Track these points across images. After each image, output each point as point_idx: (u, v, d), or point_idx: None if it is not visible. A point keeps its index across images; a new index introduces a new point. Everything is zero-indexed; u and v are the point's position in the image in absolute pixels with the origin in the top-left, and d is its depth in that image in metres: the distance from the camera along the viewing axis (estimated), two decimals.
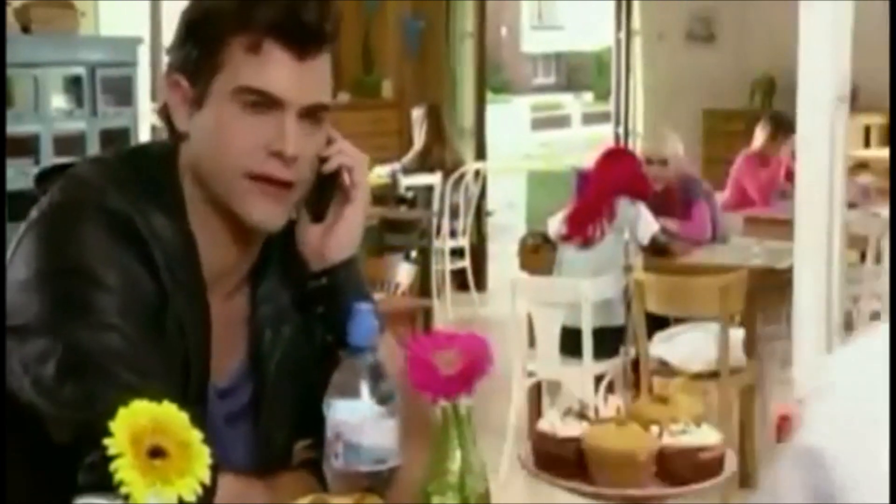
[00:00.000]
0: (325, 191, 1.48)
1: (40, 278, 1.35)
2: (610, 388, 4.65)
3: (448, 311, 7.24)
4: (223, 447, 1.22)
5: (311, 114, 1.41)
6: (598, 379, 4.64)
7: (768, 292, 4.59)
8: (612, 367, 4.68)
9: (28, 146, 5.59)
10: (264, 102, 1.39)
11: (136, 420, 1.08)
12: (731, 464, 1.32)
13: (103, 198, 1.39)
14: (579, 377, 4.57)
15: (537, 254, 5.12)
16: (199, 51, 1.41)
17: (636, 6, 9.15)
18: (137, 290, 1.37)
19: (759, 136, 6.63)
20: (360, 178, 1.48)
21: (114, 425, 1.08)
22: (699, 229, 5.22)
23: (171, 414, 1.09)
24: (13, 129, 5.58)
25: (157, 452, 1.08)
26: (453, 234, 7.55)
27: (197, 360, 1.43)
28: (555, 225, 4.95)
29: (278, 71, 1.38)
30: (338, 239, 1.48)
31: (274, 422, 1.51)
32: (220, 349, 1.47)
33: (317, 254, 1.48)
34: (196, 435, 1.10)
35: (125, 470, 1.06)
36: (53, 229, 1.38)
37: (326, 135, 1.46)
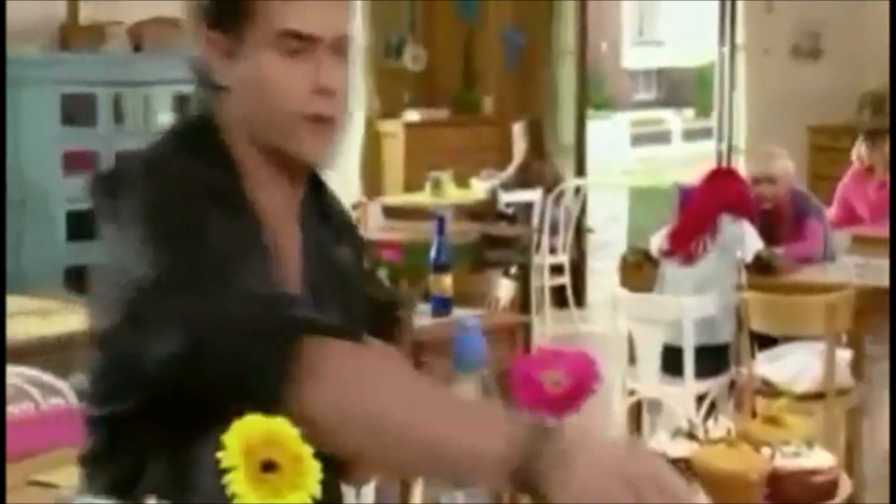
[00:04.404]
0: None
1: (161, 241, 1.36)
2: (711, 408, 4.58)
3: (547, 327, 7.22)
4: None
5: (340, 46, 1.47)
6: (700, 398, 4.58)
7: (877, 312, 4.49)
8: (714, 386, 4.61)
9: None
10: (301, 44, 1.44)
11: (250, 433, 1.10)
12: (845, 487, 1.29)
13: (189, 172, 1.43)
14: (680, 396, 4.52)
15: (641, 271, 5.08)
16: (230, 2, 1.46)
17: (741, 21, 9.04)
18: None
19: (860, 151, 6.55)
20: None
21: (227, 438, 1.09)
22: (813, 248, 5.10)
23: (284, 427, 1.11)
24: (124, 145, 5.72)
25: (269, 466, 1.09)
26: (553, 250, 7.53)
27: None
28: (658, 241, 4.91)
29: (308, 11, 1.44)
30: None
31: None
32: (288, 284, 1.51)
33: None
34: (307, 449, 1.11)
35: (238, 483, 1.08)
36: (164, 206, 1.39)
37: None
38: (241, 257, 1.35)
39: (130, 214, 1.39)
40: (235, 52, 1.46)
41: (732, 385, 4.58)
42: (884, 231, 5.65)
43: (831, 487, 1.28)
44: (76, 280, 5.44)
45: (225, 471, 1.08)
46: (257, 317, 1.30)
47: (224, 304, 1.30)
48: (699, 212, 4.85)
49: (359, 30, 1.59)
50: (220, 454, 1.08)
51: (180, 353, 1.30)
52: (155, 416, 1.37)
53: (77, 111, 5.55)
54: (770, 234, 4.89)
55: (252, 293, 1.32)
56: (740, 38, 9.01)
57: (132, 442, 1.44)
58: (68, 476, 2.41)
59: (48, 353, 3.34)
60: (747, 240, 4.75)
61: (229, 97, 1.48)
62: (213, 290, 1.31)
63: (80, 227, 5.54)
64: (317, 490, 1.09)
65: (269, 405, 1.18)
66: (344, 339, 1.33)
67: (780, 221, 5.10)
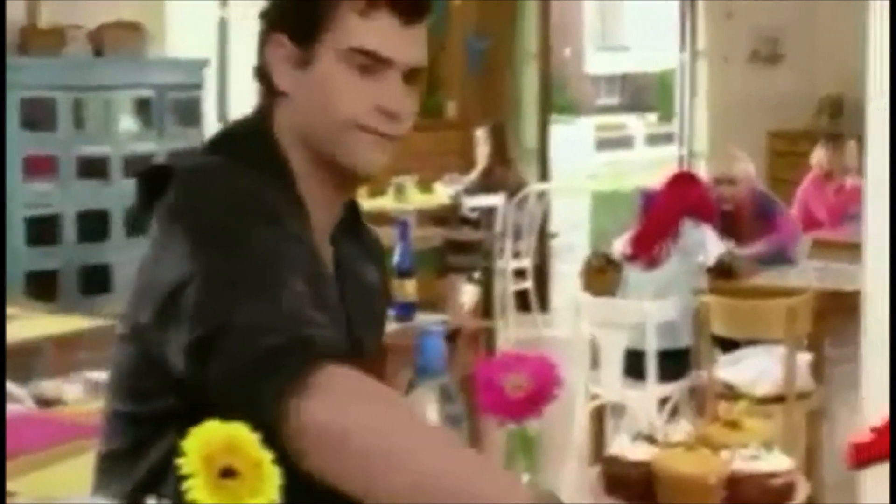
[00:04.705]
0: None
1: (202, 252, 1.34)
2: (674, 412, 4.61)
3: (511, 331, 7.23)
4: None
5: (412, 75, 1.49)
6: (663, 402, 4.60)
7: (837, 315, 4.54)
8: (676, 389, 4.64)
9: (99, 167, 5.69)
10: (373, 64, 1.45)
11: (209, 439, 1.09)
12: (803, 490, 1.30)
13: (235, 182, 1.42)
14: (643, 400, 4.54)
15: (604, 275, 5.10)
16: (305, 11, 1.46)
17: (701, 27, 9.11)
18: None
19: (820, 156, 6.61)
20: None
21: (186, 444, 1.09)
22: (789, 237, 5.16)
23: (243, 433, 1.10)
24: (84, 150, 5.68)
25: (228, 472, 1.09)
26: (516, 254, 7.54)
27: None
28: (620, 245, 4.94)
29: (388, 34, 1.46)
30: None
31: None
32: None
33: None
34: (267, 455, 1.10)
35: (197, 489, 1.07)
36: (206, 216, 1.37)
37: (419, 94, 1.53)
38: (281, 267, 1.33)
39: (175, 216, 1.39)
40: (302, 58, 1.46)
41: (695, 388, 4.60)
42: (843, 235, 5.71)
43: (789, 490, 1.29)
44: (35, 285, 5.40)
45: (185, 477, 1.07)
46: (274, 328, 1.26)
47: (249, 309, 1.28)
48: (661, 216, 4.87)
49: None
50: (179, 461, 1.08)
51: (195, 345, 1.29)
52: (181, 419, 1.30)
53: (36, 116, 5.51)
54: (731, 234, 4.93)
55: (281, 305, 1.29)
56: (701, 43, 9.08)
57: (157, 444, 1.42)
58: (29, 484, 2.39)
59: (7, 360, 3.30)
60: (709, 244, 4.78)
61: (288, 102, 1.49)
62: (245, 294, 1.29)
63: (39, 232, 5.51)
64: (276, 496, 1.09)
65: (261, 418, 1.18)
66: (355, 363, 1.29)
67: (741, 222, 5.15)
